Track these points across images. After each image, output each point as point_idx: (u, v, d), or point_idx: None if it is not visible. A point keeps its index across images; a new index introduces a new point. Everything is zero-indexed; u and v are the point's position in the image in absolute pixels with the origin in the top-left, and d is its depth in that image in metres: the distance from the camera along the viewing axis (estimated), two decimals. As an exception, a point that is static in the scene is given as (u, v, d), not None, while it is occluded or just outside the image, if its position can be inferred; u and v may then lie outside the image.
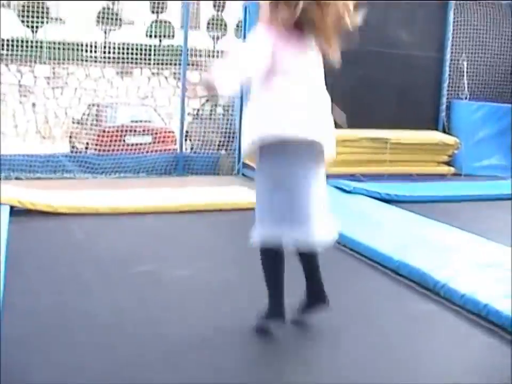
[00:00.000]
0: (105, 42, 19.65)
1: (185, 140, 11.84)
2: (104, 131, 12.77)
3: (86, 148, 12.74)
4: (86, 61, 20.14)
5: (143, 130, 13.14)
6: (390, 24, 11.64)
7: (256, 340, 4.05)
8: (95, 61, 19.93)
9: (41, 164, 10.10)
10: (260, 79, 3.57)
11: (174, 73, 20.80)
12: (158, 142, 12.61)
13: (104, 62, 19.06)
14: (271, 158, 3.55)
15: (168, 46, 20.68)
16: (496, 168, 11.76)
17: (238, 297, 4.80)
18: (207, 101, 15.97)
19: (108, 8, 21.83)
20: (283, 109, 3.51)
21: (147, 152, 11.25)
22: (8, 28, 17.02)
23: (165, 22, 24.27)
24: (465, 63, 12.13)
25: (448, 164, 11.52)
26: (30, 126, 21.03)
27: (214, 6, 22.22)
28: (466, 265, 5.46)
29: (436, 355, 4.05)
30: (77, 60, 20.25)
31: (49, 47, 19.62)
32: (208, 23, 25.62)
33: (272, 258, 3.70)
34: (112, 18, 22.65)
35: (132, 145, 11.62)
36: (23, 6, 21.17)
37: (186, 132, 12.22)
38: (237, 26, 17.11)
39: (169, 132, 13.57)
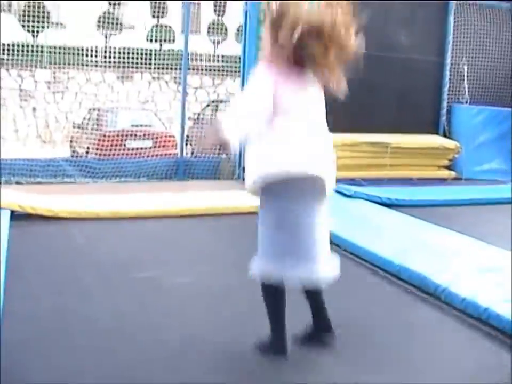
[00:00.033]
0: (105, 47, 19.66)
1: (186, 144, 11.84)
2: (104, 135, 12.76)
3: (87, 152, 12.74)
4: (87, 65, 20.16)
5: (144, 135, 13.13)
6: (390, 28, 11.65)
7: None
8: (96, 66, 19.95)
9: (42, 169, 10.10)
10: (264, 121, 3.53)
11: (175, 78, 20.80)
12: (159, 147, 12.60)
13: (105, 66, 19.07)
14: (274, 196, 3.53)
15: (169, 50, 20.68)
16: (496, 172, 11.77)
17: (239, 302, 4.80)
18: (208, 106, 15.99)
19: (109, 13, 21.84)
20: (284, 147, 3.49)
21: (148, 156, 11.25)
22: (8, 32, 17.02)
23: (166, 26, 24.29)
24: (465, 67, 12.14)
25: (448, 168, 11.53)
26: (31, 131, 21.03)
27: (215, 10, 22.21)
28: (466, 270, 5.46)
29: (437, 359, 4.04)
30: (78, 64, 20.27)
31: (50, 52, 19.62)
32: (209, 28, 25.63)
33: (273, 294, 3.69)
34: (112, 23, 22.67)
35: (133, 149, 11.62)
36: (24, 11, 21.21)
37: (187, 136, 12.22)
38: (238, 30, 17.15)
39: (169, 136, 13.57)
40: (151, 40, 23.66)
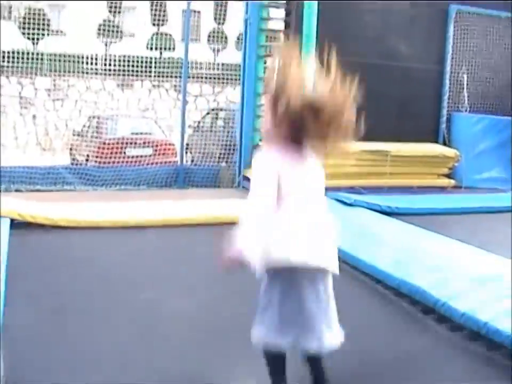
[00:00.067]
0: (105, 55, 19.68)
1: (186, 152, 11.85)
2: (104, 143, 12.77)
3: (87, 160, 12.74)
4: (87, 73, 20.16)
5: (144, 143, 13.13)
6: (390, 37, 11.68)
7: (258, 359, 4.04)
8: (96, 73, 19.96)
9: (42, 176, 10.11)
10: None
11: (175, 86, 20.83)
12: (159, 154, 12.61)
13: (105, 74, 19.08)
14: (278, 273, 3.51)
15: (169, 58, 20.71)
16: (496, 180, 11.78)
17: (237, 312, 4.78)
18: (208, 114, 16.00)
19: (109, 21, 21.87)
20: (286, 236, 3.48)
21: (147, 164, 11.26)
22: (8, 40, 17.05)
23: (166, 34, 24.33)
24: (465, 75, 12.17)
25: (448, 176, 11.53)
26: (30, 138, 21.04)
27: (215, 18, 22.25)
28: (466, 281, 5.42)
29: (437, 375, 4.04)
30: (78, 72, 20.28)
31: (50, 59, 19.64)
32: (209, 36, 25.68)
33: (274, 359, 3.68)
34: (113, 31, 22.71)
35: (133, 157, 11.63)
36: (24, 18, 21.26)
37: (187, 144, 12.23)
38: (238, 39, 17.16)
39: (169, 144, 13.57)
40: (151, 48, 23.71)
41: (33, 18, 18.21)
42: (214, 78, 20.34)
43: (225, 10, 15.38)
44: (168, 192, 10.20)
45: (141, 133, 14.69)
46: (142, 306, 5.07)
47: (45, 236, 7.02)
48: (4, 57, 15.50)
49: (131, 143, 12.70)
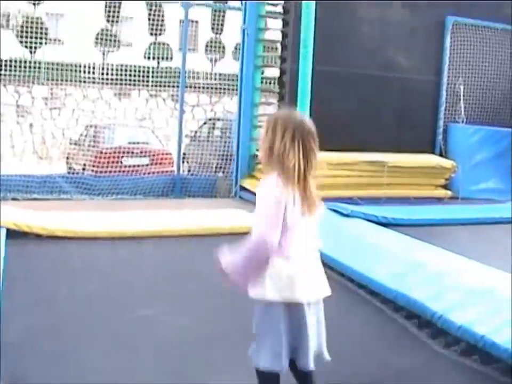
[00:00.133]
0: (103, 64, 19.70)
1: (183, 161, 11.85)
2: (101, 152, 12.77)
3: (83, 169, 12.74)
4: (84, 82, 20.18)
5: (141, 152, 13.14)
6: (388, 48, 11.72)
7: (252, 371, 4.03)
8: (93, 82, 19.97)
9: (38, 185, 10.10)
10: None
11: (172, 95, 20.86)
12: (156, 164, 12.60)
13: (102, 83, 19.08)
14: (281, 306, 3.58)
15: (166, 68, 20.76)
16: (493, 191, 11.79)
17: (235, 325, 4.78)
18: (205, 123, 16.01)
19: (106, 30, 21.90)
20: (295, 273, 3.57)
21: (144, 173, 11.26)
22: (6, 48, 17.08)
23: (163, 44, 24.37)
24: (462, 87, 12.19)
25: (445, 187, 11.53)
26: (27, 147, 21.03)
27: (212, 28, 22.33)
28: (463, 294, 5.41)
29: None
30: (75, 81, 20.29)
31: (47, 68, 19.64)
32: (207, 46, 25.76)
33: (272, 380, 3.67)
34: (110, 40, 22.73)
35: (129, 166, 11.62)
36: (22, 27, 21.28)
37: (184, 154, 12.24)
38: (235, 48, 17.21)
39: (166, 154, 13.57)
40: (148, 58, 23.72)
41: (31, 27, 18.25)
42: (211, 88, 20.36)
43: (222, 20, 15.46)
44: (164, 202, 10.18)
45: (138, 143, 14.68)
46: (138, 315, 5.06)
47: (41, 246, 7.00)
48: (1, 65, 15.53)
49: (128, 153, 12.70)
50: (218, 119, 16.17)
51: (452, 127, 12.21)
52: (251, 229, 3.45)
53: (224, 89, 14.71)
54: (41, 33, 18.71)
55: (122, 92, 21.21)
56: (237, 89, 11.33)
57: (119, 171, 11.24)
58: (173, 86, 17.25)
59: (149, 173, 11.42)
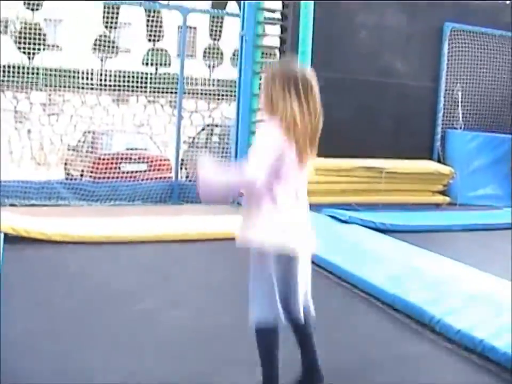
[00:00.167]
0: (101, 70, 19.73)
1: (181, 168, 11.84)
2: (99, 158, 12.77)
3: (81, 175, 12.73)
4: (82, 88, 20.20)
5: (139, 158, 13.14)
6: (385, 54, 11.73)
7: (252, 373, 4.03)
8: (91, 88, 20.00)
9: (36, 191, 10.08)
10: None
11: (170, 101, 20.88)
12: (153, 170, 12.60)
13: (100, 89, 19.12)
14: (275, 258, 3.70)
15: (165, 74, 20.76)
16: (491, 197, 11.79)
17: (233, 328, 4.77)
18: (203, 129, 16.02)
19: (105, 36, 21.92)
20: (289, 225, 3.71)
21: (142, 180, 11.24)
22: (4, 54, 17.08)
23: (161, 50, 24.40)
24: (460, 93, 12.20)
25: (443, 193, 11.53)
26: (25, 153, 21.04)
27: (210, 35, 22.32)
28: (461, 299, 5.42)
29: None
30: (73, 87, 20.31)
31: (46, 74, 19.67)
32: (205, 52, 25.77)
33: (269, 336, 3.80)
34: (108, 46, 22.75)
35: (127, 173, 11.60)
36: (20, 33, 21.30)
37: (182, 160, 12.23)
38: (233, 55, 17.23)
39: (164, 160, 13.57)
40: (146, 64, 23.76)
41: (29, 33, 18.25)
42: (210, 94, 20.40)
43: (221, 27, 15.48)
44: (162, 208, 10.18)
45: (136, 149, 14.69)
46: (136, 317, 5.07)
47: (39, 250, 6.99)
48: (-1, 71, 15.53)
49: (126, 159, 12.70)
50: (217, 125, 16.20)
51: (449, 133, 12.22)
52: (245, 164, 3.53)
53: (222, 95, 14.73)
54: (39, 39, 18.71)
55: (121, 98, 21.23)
56: (235, 95, 11.32)
57: (117, 177, 11.23)
58: (171, 92, 17.24)
59: (147, 179, 11.41)
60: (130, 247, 7.35)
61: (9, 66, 16.21)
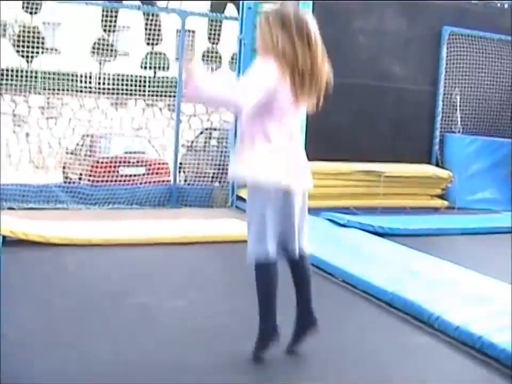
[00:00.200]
0: (100, 73, 19.72)
1: (179, 171, 11.83)
2: (97, 162, 12.77)
3: (80, 179, 12.72)
4: (81, 91, 20.19)
5: (137, 162, 13.13)
6: (384, 58, 11.74)
7: (252, 373, 4.03)
8: (90, 92, 19.99)
9: (34, 194, 10.06)
10: (253, 111, 3.74)
11: (169, 105, 20.86)
12: (152, 174, 12.60)
13: (99, 92, 19.12)
14: (268, 192, 3.82)
15: (163, 77, 20.73)
16: (489, 201, 11.79)
17: (231, 331, 4.77)
18: (201, 133, 16.03)
19: (103, 39, 21.93)
20: (282, 161, 3.83)
21: (141, 183, 11.22)
22: (3, 58, 17.06)
23: (160, 53, 24.39)
24: (458, 97, 12.21)
25: (441, 197, 11.54)
26: (24, 156, 21.03)
27: (209, 38, 22.35)
28: (460, 299, 5.45)
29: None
30: (72, 90, 20.31)
31: (44, 77, 19.67)
32: (203, 56, 25.73)
33: (269, 270, 3.92)
34: (107, 49, 22.76)
35: (126, 176, 11.60)
36: (19, 36, 21.29)
37: (180, 163, 12.21)
38: (232, 59, 17.20)
39: (163, 164, 13.57)
40: (145, 67, 23.74)
41: (28, 36, 18.26)
42: (208, 98, 20.35)
43: (219, 30, 15.48)
44: (161, 212, 10.17)
45: (134, 152, 14.70)
46: (135, 317, 5.08)
47: (37, 253, 6.99)
48: (-1, 75, 15.52)
49: (124, 162, 12.69)
50: (215, 129, 16.21)
51: (448, 137, 12.22)
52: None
53: (221, 99, 14.67)
54: (38, 42, 18.72)
55: (119, 102, 21.22)
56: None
57: (116, 181, 11.22)
58: (170, 96, 17.17)
59: (145, 183, 11.39)
60: (129, 249, 7.35)
61: (7, 70, 16.18)
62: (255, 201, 3.89)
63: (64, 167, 16.02)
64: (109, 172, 11.55)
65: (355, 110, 11.28)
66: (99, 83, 18.87)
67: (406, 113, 11.85)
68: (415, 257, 7.19)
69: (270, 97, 3.71)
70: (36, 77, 19.50)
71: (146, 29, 17.15)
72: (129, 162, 12.91)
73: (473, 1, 12.87)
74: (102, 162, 12.41)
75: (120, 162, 12.50)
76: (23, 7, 21.58)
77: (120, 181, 11.23)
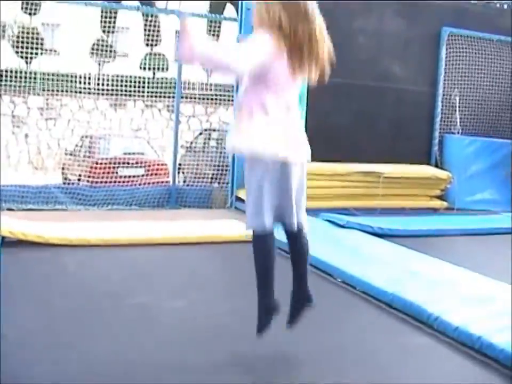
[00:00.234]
0: (99, 74, 19.72)
1: (178, 172, 11.83)
2: (96, 163, 12.75)
3: (79, 180, 12.72)
4: (80, 92, 20.19)
5: (136, 163, 13.13)
6: (383, 59, 11.74)
7: (252, 373, 4.02)
8: (89, 93, 19.99)
9: (33, 195, 10.05)
10: (250, 79, 3.87)
11: (168, 106, 20.88)
12: (151, 175, 12.59)
13: (98, 93, 19.12)
14: (265, 165, 3.87)
15: (162, 78, 20.76)
16: (488, 202, 11.80)
17: (231, 332, 4.76)
18: (200, 134, 16.02)
19: (102, 40, 21.93)
20: (280, 133, 3.85)
21: (140, 184, 11.21)
22: (2, 59, 17.06)
23: (159, 54, 24.40)
24: (457, 98, 12.20)
25: (440, 198, 11.54)
26: (23, 157, 21.04)
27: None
28: (459, 299, 5.44)
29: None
30: (71, 91, 20.30)
31: (43, 78, 19.67)
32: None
33: (266, 242, 3.99)
34: (106, 50, 22.76)
35: (125, 177, 11.59)
36: (18, 37, 21.30)
37: (179, 164, 12.21)
38: (231, 59, 17.19)
39: (162, 164, 13.57)
40: (144, 68, 23.76)
41: (27, 37, 18.26)
42: (207, 99, 20.39)
43: (218, 31, 15.47)
44: (160, 213, 10.16)
45: (133, 153, 14.70)
46: (135, 317, 5.08)
47: (36, 253, 6.98)
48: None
49: (123, 163, 12.68)
50: (214, 130, 16.21)
51: (447, 138, 12.22)
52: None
53: (220, 99, 14.69)
54: (37, 43, 18.69)
55: (118, 103, 21.23)
56: (232, 100, 11.33)
57: (115, 182, 11.20)
58: (169, 97, 17.23)
59: (144, 184, 11.38)
60: (128, 250, 7.35)
61: (6, 71, 16.18)
62: (252, 174, 3.93)
63: (63, 168, 16.02)
64: (108, 172, 11.54)
65: (354, 110, 11.28)
66: (98, 84, 18.88)
67: (405, 114, 11.85)
68: (415, 258, 7.19)
69: (267, 69, 3.75)
70: (35, 78, 19.51)
71: (145, 29, 17.20)
72: (128, 163, 12.90)
73: (472, 2, 12.86)
74: (101, 163, 12.40)
75: (119, 163, 12.50)
76: (22, 8, 21.58)
77: (119, 181, 11.22)
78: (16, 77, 16.63)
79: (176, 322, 5.06)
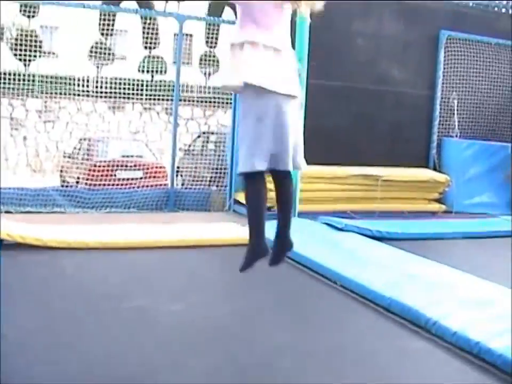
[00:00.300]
0: (97, 77, 19.73)
1: (176, 175, 11.82)
2: (95, 165, 12.75)
3: (77, 182, 12.71)
4: (78, 95, 20.19)
5: (134, 165, 13.12)
6: (382, 62, 11.74)
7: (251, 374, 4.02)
8: (87, 95, 19.99)
9: (32, 198, 10.05)
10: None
11: (166, 109, 20.88)
12: (149, 177, 12.58)
13: (96, 96, 19.09)
14: (261, 99, 3.96)
15: (160, 81, 20.76)
16: (487, 205, 11.80)
17: (229, 334, 4.76)
18: (199, 137, 16.02)
19: (101, 43, 21.92)
20: (264, 65, 3.95)
21: (138, 187, 11.21)
22: (0, 61, 17.06)
23: (157, 57, 24.40)
24: (455, 101, 12.21)
25: (439, 201, 11.54)
26: (21, 159, 21.02)
27: (206, 42, 22.38)
28: (458, 303, 5.43)
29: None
30: (69, 94, 20.31)
31: (41, 81, 19.65)
32: (201, 59, 25.79)
33: (258, 183, 4.07)
34: (104, 53, 22.75)
35: (123, 180, 11.58)
36: (16, 39, 21.29)
37: (178, 167, 12.21)
38: (229, 62, 17.19)
39: (160, 167, 13.56)
40: (142, 71, 23.74)
41: (25, 40, 18.24)
42: (205, 102, 20.39)
43: (217, 34, 15.43)
44: (158, 215, 10.16)
45: (132, 156, 14.68)
46: (134, 318, 5.09)
47: (35, 256, 6.98)
48: None
49: (121, 166, 12.68)
50: (212, 133, 16.18)
51: (445, 141, 12.23)
52: None
53: (218, 102, 14.67)
54: (35, 46, 18.69)
55: (116, 105, 21.23)
56: (231, 103, 11.34)
57: (113, 184, 11.21)
58: (167, 100, 17.23)
59: (142, 186, 11.38)
60: (126, 253, 7.34)
61: (5, 73, 16.18)
62: (247, 116, 4.00)
63: (61, 171, 16.00)
64: (106, 175, 11.53)
65: (353, 113, 11.29)
66: (96, 87, 18.86)
67: (403, 117, 11.85)
68: (413, 261, 7.18)
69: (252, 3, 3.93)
70: (33, 81, 19.48)
71: (143, 32, 17.23)
72: (126, 166, 12.90)
73: (471, 5, 12.87)
74: (99, 166, 12.40)
75: (117, 166, 12.50)
76: (20, 11, 21.61)
77: (117, 184, 11.22)
78: (14, 79, 16.61)
79: (175, 324, 5.06)
